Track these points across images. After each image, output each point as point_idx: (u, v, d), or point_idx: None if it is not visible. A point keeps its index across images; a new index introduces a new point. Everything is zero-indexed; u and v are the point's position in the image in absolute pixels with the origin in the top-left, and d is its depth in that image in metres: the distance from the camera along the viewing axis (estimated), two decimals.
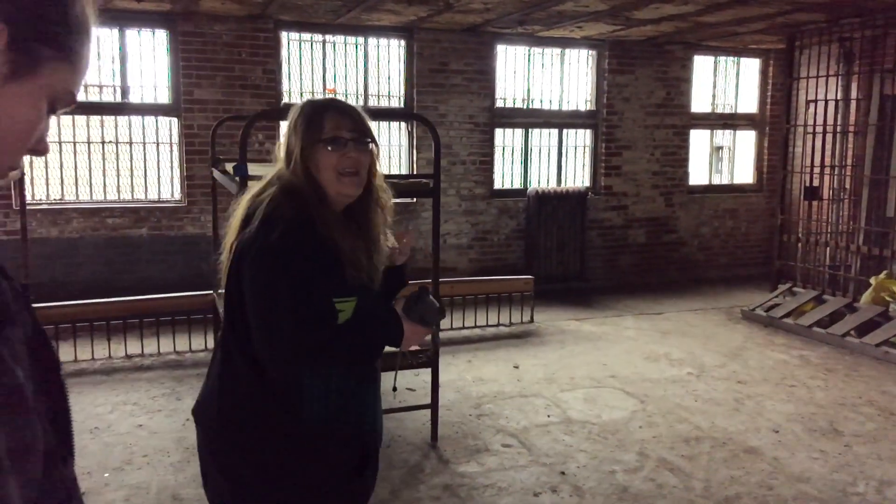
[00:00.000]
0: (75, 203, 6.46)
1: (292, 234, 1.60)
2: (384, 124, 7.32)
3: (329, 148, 1.68)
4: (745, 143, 9.00)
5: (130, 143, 6.64)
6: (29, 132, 0.72)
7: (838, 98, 6.99)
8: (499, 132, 7.82)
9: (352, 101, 7.17)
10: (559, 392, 4.83)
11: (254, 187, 1.78)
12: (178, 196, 6.78)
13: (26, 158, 0.80)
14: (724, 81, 8.77)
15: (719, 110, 8.77)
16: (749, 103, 8.91)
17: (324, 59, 7.10)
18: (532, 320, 6.42)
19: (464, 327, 6.13)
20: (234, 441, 1.70)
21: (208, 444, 1.76)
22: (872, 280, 6.24)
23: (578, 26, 7.06)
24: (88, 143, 6.50)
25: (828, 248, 7.08)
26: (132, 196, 6.69)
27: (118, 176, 6.65)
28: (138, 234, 6.52)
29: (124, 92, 6.52)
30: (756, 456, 3.88)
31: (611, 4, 5.97)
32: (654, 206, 8.42)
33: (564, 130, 8.09)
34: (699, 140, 8.74)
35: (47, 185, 6.37)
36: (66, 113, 0.84)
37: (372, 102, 7.28)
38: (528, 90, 7.89)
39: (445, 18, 6.72)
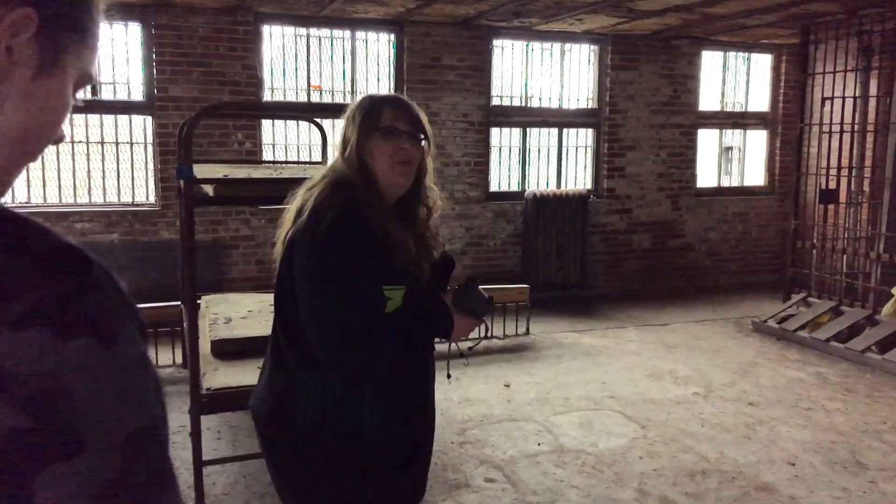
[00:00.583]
0: (42, 206, 6.09)
1: (341, 222, 1.62)
2: None
3: (384, 137, 1.72)
4: (757, 143, 8.58)
5: (102, 143, 6.27)
6: (59, 123, 0.72)
7: (856, 95, 6.54)
8: (495, 131, 7.41)
9: (338, 99, 6.80)
10: (552, 415, 4.41)
11: (309, 180, 1.80)
12: (151, 199, 6.39)
13: None
14: (734, 78, 8.34)
15: (729, 108, 8.34)
16: (760, 101, 8.48)
17: (308, 54, 6.71)
18: (528, 332, 6.00)
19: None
20: (283, 437, 1.74)
21: (261, 438, 1.82)
22: (894, 290, 5.80)
23: (578, 19, 6.64)
24: None
25: (845, 256, 6.63)
26: (104, 199, 6.32)
27: (89, 178, 6.27)
28: (109, 240, 6.14)
29: (94, 89, 6.14)
30: (770, 494, 3.45)
31: None
32: (660, 210, 7.99)
33: (564, 130, 7.67)
34: (707, 140, 8.33)
35: (12, 187, 6.00)
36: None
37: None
38: (526, 87, 7.47)
39: (436, 10, 6.32)
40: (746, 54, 8.28)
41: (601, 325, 6.52)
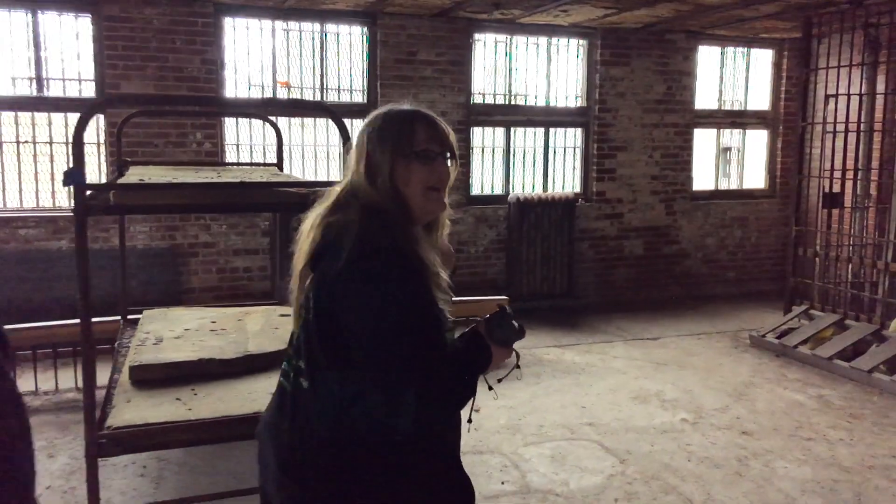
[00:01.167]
0: None
1: (394, 259, 1.50)
2: (346, 121, 6.48)
3: (421, 162, 1.58)
4: (756, 143, 8.13)
5: (51, 143, 5.83)
6: None
7: (862, 92, 6.08)
8: (476, 131, 6.96)
9: (308, 96, 6.37)
10: (522, 446, 3.96)
11: (321, 205, 1.62)
12: None
13: None
14: (733, 74, 7.88)
15: (727, 107, 7.88)
16: (760, 99, 8.02)
17: (274, 48, 6.27)
18: None
19: None
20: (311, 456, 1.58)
21: (278, 463, 1.63)
22: None
23: (563, 10, 6.19)
24: None
25: (850, 264, 6.16)
26: (53, 204, 5.90)
27: (36, 181, 5.85)
28: (56, 248, 5.71)
29: (41, 84, 5.72)
30: None
31: None
32: (653, 215, 7.53)
33: (551, 130, 7.22)
34: (704, 140, 7.87)
35: None
36: None
37: (331, 97, 6.45)
38: (510, 84, 7.02)
39: (409, 1, 5.88)
40: (745, 49, 7.83)
41: (587, 339, 6.06)
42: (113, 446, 2.74)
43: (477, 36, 6.80)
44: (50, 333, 4.80)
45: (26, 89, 5.72)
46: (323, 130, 6.51)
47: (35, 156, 5.81)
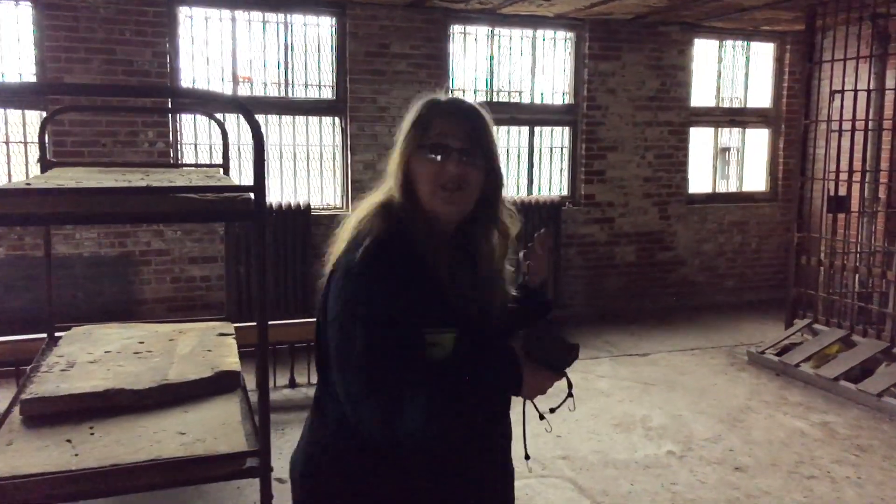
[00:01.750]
0: None
1: (375, 253, 1.39)
2: (314, 119, 6.05)
3: (430, 155, 1.44)
4: (757, 143, 7.69)
5: None
6: None
7: (870, 88, 5.60)
8: None
9: (275, 92, 5.91)
10: None
11: (365, 202, 1.51)
12: None
13: None
14: (732, 70, 7.42)
15: (725, 104, 7.43)
16: (761, 96, 7.58)
17: (234, 40, 5.83)
18: None
19: None
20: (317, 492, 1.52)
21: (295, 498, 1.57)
22: None
23: (548, 0, 5.74)
24: None
25: (857, 274, 5.69)
26: None
27: None
28: None
29: None
30: None
31: None
32: (646, 219, 7.06)
33: (536, 129, 6.76)
34: (701, 140, 7.42)
35: None
36: None
37: (297, 93, 6.00)
38: (491, 80, 6.56)
39: None
40: (745, 42, 7.37)
41: None
42: None
43: (455, 28, 6.34)
44: None
45: None
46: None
47: None
